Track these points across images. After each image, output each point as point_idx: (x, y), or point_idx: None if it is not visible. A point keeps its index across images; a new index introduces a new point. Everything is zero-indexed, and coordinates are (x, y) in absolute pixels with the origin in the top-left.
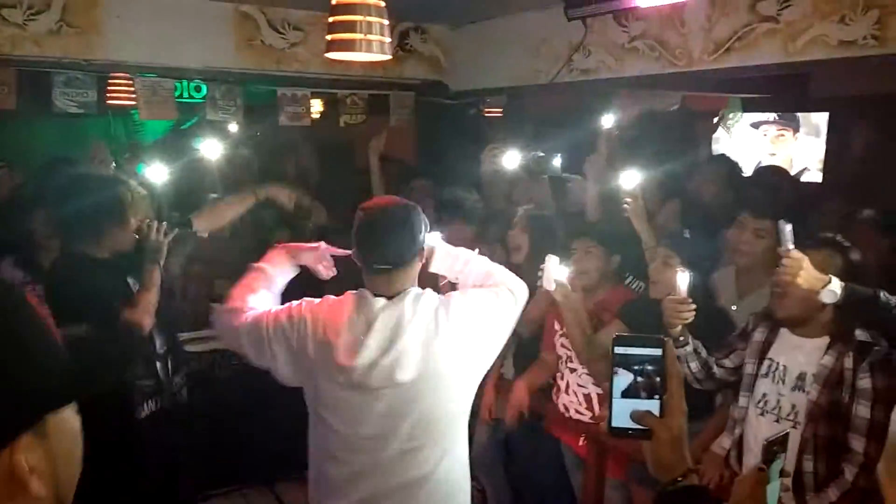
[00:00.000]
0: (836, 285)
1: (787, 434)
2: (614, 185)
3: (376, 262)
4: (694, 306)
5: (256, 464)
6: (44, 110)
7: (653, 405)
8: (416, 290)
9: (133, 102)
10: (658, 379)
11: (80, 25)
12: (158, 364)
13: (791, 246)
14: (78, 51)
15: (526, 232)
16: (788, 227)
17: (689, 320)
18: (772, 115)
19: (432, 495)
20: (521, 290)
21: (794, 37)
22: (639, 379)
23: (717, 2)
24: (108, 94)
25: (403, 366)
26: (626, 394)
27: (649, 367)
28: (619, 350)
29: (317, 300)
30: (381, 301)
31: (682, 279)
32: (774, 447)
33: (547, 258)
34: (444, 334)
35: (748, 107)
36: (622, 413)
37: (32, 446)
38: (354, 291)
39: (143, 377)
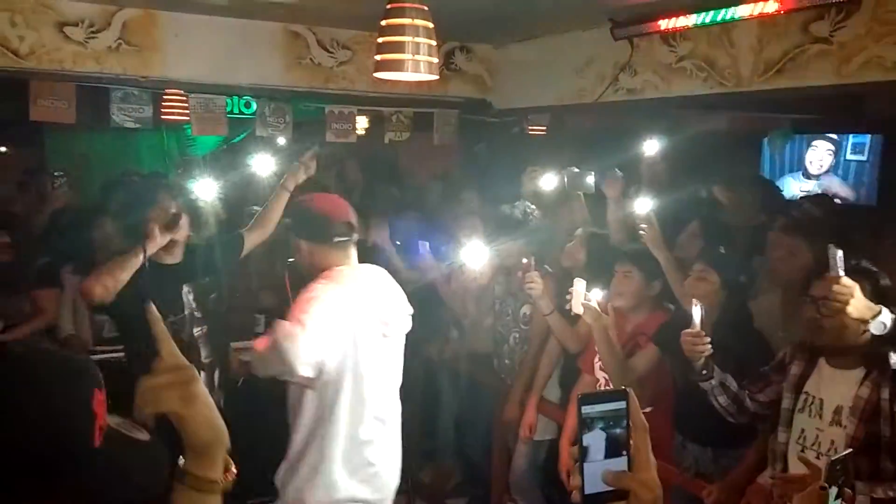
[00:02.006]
0: (887, 316)
1: (850, 453)
2: (637, 209)
3: (339, 234)
4: (709, 339)
5: None
6: (101, 124)
7: (622, 463)
8: None
9: (186, 118)
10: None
11: (138, 44)
12: (203, 374)
13: (842, 272)
14: (136, 68)
15: (584, 248)
16: (839, 253)
17: (706, 353)
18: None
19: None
20: None
21: (848, 58)
22: (607, 436)
23: (768, 22)
24: (162, 110)
25: (398, 311)
26: (596, 455)
27: (617, 422)
28: (585, 409)
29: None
30: (362, 266)
31: (696, 312)
32: (838, 466)
33: (575, 282)
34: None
35: (799, 128)
36: (594, 477)
37: None
38: (335, 268)
39: None
